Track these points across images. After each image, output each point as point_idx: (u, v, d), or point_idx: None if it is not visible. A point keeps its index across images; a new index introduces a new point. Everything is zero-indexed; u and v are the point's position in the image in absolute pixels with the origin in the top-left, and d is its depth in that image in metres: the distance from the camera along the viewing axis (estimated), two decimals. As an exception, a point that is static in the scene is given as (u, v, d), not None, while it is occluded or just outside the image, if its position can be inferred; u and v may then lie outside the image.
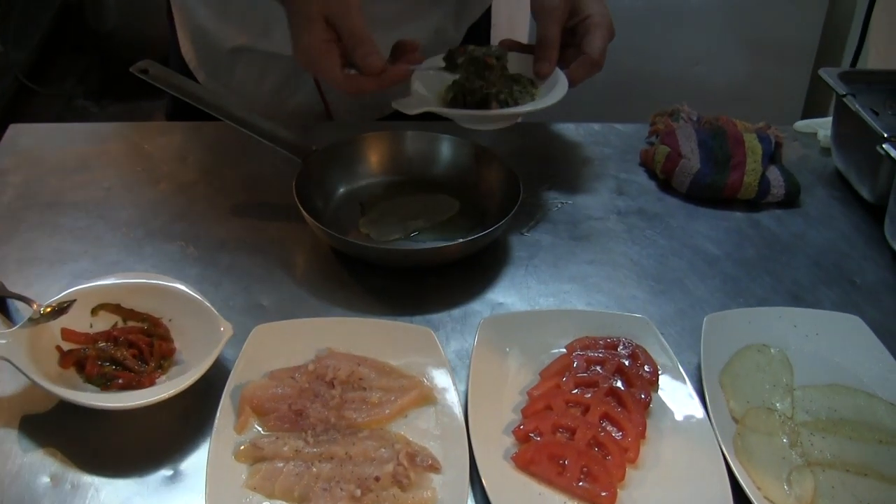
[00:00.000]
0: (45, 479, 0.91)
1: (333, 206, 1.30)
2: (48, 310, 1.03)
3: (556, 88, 1.27)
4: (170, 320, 1.08)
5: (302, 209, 1.19)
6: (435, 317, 1.13)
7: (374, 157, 1.35)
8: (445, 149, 1.35)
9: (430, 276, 1.19)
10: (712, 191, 1.35)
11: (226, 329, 1.03)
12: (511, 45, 1.35)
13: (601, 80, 1.38)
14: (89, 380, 1.01)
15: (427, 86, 1.28)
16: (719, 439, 0.95)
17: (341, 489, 0.90)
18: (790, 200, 1.36)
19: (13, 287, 1.11)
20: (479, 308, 1.15)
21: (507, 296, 1.17)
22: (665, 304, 1.17)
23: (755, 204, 1.36)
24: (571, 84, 1.28)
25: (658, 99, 1.60)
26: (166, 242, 1.23)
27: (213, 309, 1.06)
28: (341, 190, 1.32)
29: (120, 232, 1.24)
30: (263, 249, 1.23)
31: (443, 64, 1.28)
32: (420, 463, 0.93)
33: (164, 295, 1.09)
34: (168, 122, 1.53)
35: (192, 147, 1.43)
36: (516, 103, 1.26)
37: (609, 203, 1.36)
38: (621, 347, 1.07)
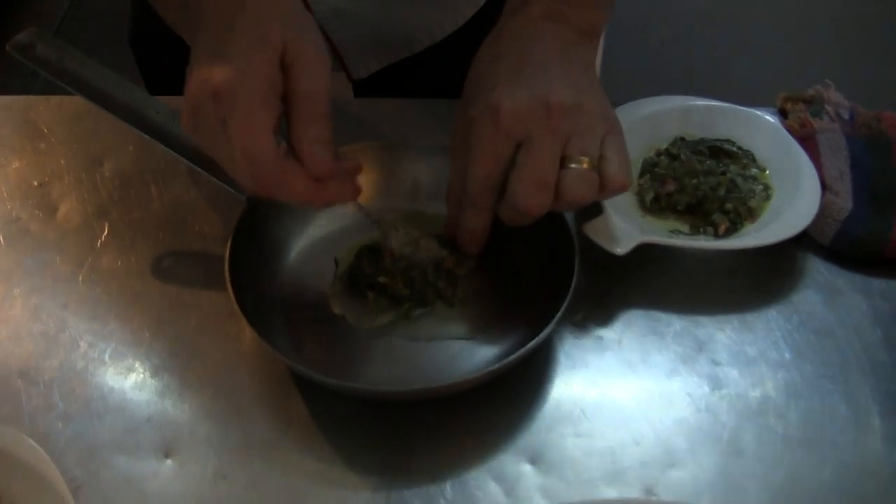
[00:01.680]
0: None
1: (293, 266, 0.88)
2: None
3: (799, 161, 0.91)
4: (-1, 499, 0.72)
5: (233, 297, 0.78)
6: (418, 492, 0.73)
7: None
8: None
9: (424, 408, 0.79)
10: (867, 247, 0.89)
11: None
12: None
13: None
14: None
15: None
16: None
17: None
18: None
19: None
20: (490, 476, 0.75)
21: (539, 452, 0.76)
22: (791, 484, 0.74)
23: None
24: None
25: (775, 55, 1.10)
26: (41, 318, 0.83)
27: (66, 490, 0.68)
28: (304, 239, 0.89)
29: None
30: (185, 343, 0.83)
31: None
32: None
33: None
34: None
35: (118, 144, 1.00)
36: (749, 212, 0.90)
37: (704, 261, 0.91)
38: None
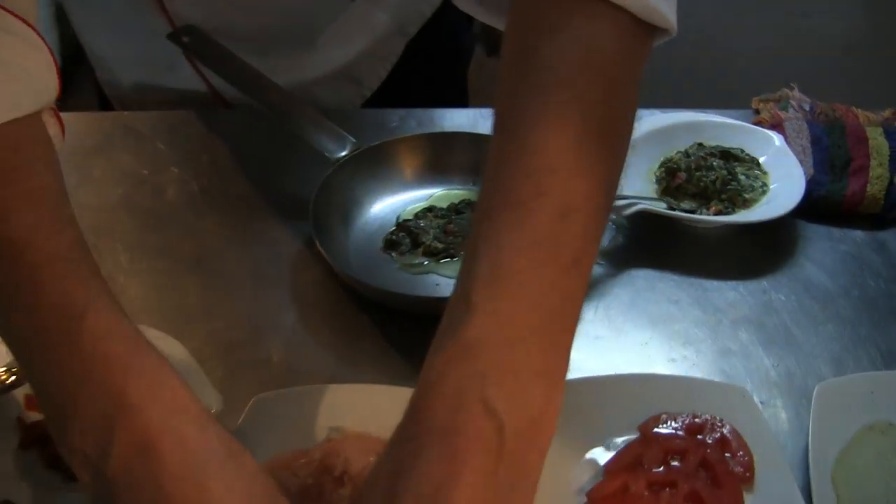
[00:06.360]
0: None
1: (366, 220, 1.09)
2: (5, 376, 0.85)
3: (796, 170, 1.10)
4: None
5: (316, 239, 0.99)
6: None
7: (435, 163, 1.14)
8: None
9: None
10: (828, 204, 1.10)
11: (215, 403, 0.86)
12: None
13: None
14: (51, 464, 0.83)
15: None
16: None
17: None
18: (925, 215, 1.11)
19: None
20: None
21: (574, 349, 0.95)
22: (767, 362, 0.94)
23: (881, 220, 1.11)
24: None
25: (752, 69, 1.33)
26: (158, 258, 1.05)
27: (202, 374, 0.88)
28: (376, 204, 1.10)
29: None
30: (275, 276, 1.04)
31: None
32: None
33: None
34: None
35: (214, 139, 1.22)
36: (744, 202, 1.11)
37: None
38: (709, 431, 0.85)
